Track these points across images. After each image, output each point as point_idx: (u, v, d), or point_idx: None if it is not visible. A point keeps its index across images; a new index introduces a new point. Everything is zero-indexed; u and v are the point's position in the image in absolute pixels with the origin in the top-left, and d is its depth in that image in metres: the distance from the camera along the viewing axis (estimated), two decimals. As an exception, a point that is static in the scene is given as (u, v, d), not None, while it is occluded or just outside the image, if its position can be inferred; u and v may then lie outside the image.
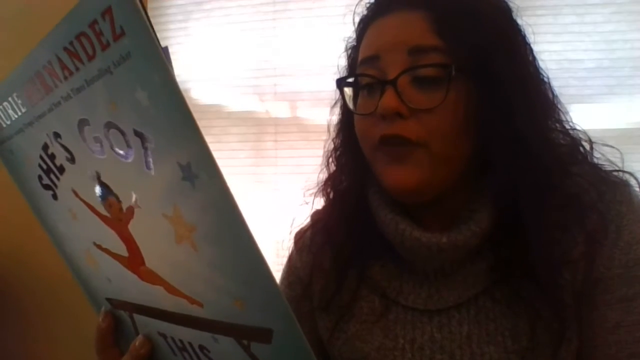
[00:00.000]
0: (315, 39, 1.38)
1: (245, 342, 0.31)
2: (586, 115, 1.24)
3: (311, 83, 1.39)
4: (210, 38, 1.48)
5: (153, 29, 0.25)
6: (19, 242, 1.49)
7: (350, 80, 0.52)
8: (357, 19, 0.54)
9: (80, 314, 1.45)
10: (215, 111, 1.48)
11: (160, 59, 0.23)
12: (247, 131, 1.47)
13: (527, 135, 0.44)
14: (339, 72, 0.57)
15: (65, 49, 0.28)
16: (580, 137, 0.50)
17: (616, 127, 1.23)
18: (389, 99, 0.44)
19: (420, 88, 0.45)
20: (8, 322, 1.55)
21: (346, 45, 0.56)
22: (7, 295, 1.54)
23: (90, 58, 0.27)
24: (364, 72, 0.49)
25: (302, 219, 0.63)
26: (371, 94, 0.48)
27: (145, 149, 0.27)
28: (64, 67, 0.29)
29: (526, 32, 0.49)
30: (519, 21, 0.49)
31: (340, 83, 0.52)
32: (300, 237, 0.63)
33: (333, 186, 0.58)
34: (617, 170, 0.49)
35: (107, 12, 0.24)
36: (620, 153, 0.50)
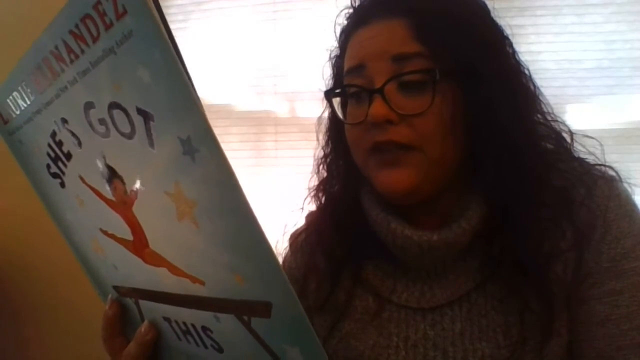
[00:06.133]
0: (315, 39, 1.38)
1: (245, 318, 0.31)
2: (586, 115, 1.24)
3: (311, 83, 1.39)
4: (211, 38, 1.48)
5: (159, 5, 0.25)
6: (12, 243, 1.49)
7: (338, 90, 0.53)
8: (338, 30, 0.54)
9: (74, 315, 1.45)
10: (216, 111, 1.48)
11: (160, 35, 0.24)
12: (248, 131, 1.47)
13: (513, 130, 0.45)
14: (325, 81, 0.58)
15: (71, 32, 0.28)
16: (562, 129, 0.51)
17: (615, 127, 1.23)
18: (377, 107, 0.45)
19: (407, 94, 0.45)
20: (1, 323, 1.55)
21: (330, 56, 0.57)
22: (1, 295, 1.54)
23: (95, 40, 0.27)
24: (350, 82, 0.49)
25: (296, 222, 0.64)
26: (359, 102, 0.49)
27: (148, 126, 0.27)
28: (70, 50, 0.30)
29: (504, 28, 0.50)
30: (497, 20, 0.50)
31: (329, 94, 0.53)
32: (295, 239, 0.63)
33: (325, 191, 0.59)
34: (600, 165, 0.50)
35: None
36: (600, 144, 0.51)
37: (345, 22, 0.53)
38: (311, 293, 0.57)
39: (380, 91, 0.45)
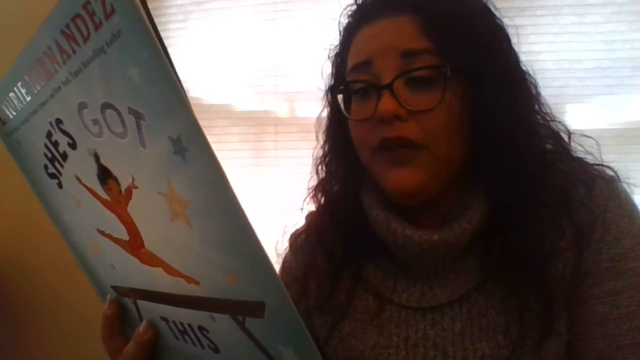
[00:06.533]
0: (316, 38, 1.38)
1: (240, 317, 0.31)
2: (585, 115, 1.24)
3: (311, 83, 1.39)
4: (210, 38, 1.48)
5: (146, 5, 0.25)
6: (12, 243, 1.49)
7: (342, 87, 0.52)
8: (341, 27, 0.54)
9: (73, 315, 1.45)
10: (216, 111, 1.48)
11: (148, 34, 0.24)
12: (248, 131, 1.47)
13: (514, 130, 0.45)
14: (324, 80, 0.57)
15: (62, 32, 0.29)
16: (560, 129, 0.51)
17: (615, 127, 1.23)
18: (387, 103, 0.44)
19: (416, 90, 0.45)
20: (1, 323, 1.55)
21: (329, 53, 0.57)
22: (0, 295, 1.54)
23: (85, 39, 0.27)
24: (356, 78, 0.49)
25: (296, 222, 0.64)
26: (365, 99, 0.48)
27: (139, 126, 0.27)
28: (62, 50, 0.30)
29: (507, 29, 0.50)
30: (501, 19, 0.50)
31: (333, 90, 0.53)
32: (295, 239, 0.63)
33: (324, 191, 0.59)
34: (599, 165, 0.50)
35: None
36: (598, 144, 0.51)
37: (348, 20, 0.53)
38: (311, 293, 0.57)
39: (390, 87, 0.45)
